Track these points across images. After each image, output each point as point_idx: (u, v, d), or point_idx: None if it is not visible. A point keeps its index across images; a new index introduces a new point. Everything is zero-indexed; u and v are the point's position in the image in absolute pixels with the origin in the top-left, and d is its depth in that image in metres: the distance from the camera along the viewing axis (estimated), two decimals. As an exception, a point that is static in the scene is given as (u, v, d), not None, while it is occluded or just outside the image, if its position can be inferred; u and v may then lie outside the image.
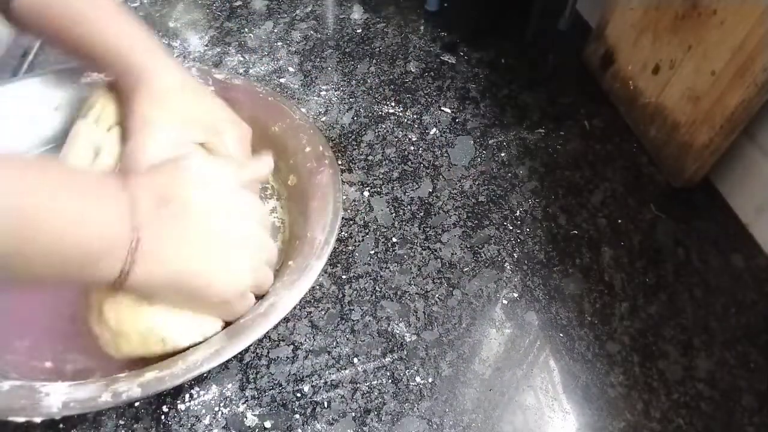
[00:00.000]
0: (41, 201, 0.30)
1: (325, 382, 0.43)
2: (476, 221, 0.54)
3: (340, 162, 0.58)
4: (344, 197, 0.55)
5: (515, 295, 0.49)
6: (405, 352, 0.45)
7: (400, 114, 0.64)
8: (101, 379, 0.37)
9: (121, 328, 0.38)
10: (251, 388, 0.42)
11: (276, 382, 0.42)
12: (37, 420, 0.36)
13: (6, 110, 0.51)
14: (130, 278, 0.34)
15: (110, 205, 0.34)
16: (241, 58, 0.68)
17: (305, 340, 0.45)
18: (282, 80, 0.66)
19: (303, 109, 0.62)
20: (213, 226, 0.37)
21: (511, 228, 0.54)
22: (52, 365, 0.41)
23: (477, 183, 0.58)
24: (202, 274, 0.37)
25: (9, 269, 0.30)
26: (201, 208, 0.37)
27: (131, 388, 0.35)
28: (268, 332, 0.42)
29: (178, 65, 0.48)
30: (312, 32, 0.74)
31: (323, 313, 0.47)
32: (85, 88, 0.52)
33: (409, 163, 0.59)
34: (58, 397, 0.35)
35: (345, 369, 0.43)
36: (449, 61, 0.72)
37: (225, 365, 0.43)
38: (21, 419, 0.34)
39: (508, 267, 0.51)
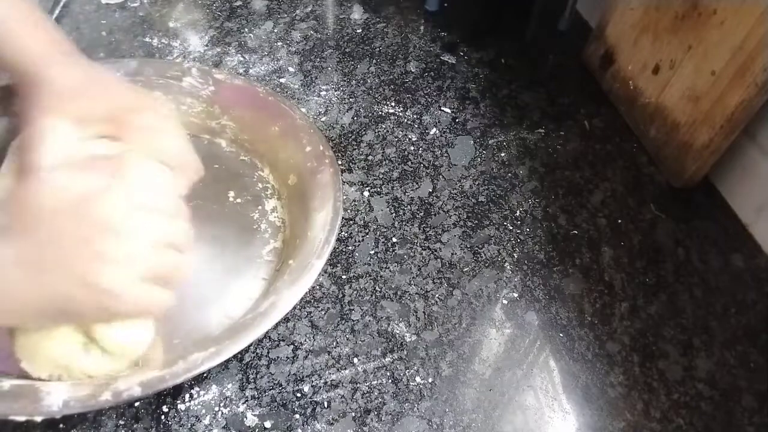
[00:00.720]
0: None
1: (325, 382, 0.43)
2: (476, 221, 0.54)
3: (340, 162, 0.58)
4: (344, 197, 0.55)
5: (515, 295, 0.49)
6: (405, 352, 0.45)
7: (400, 114, 0.64)
8: (102, 379, 0.37)
9: (31, 353, 0.37)
10: (251, 388, 0.42)
11: (276, 382, 0.42)
12: (38, 419, 0.36)
13: None
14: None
15: None
16: (241, 58, 0.68)
17: (305, 340, 0.45)
18: (282, 80, 0.66)
19: (303, 109, 0.62)
20: (66, 239, 0.34)
21: (511, 228, 0.54)
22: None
23: (477, 183, 0.58)
24: (65, 297, 0.34)
25: None
26: (47, 220, 0.34)
27: (132, 386, 0.35)
28: (268, 331, 0.42)
29: (80, 64, 0.44)
30: (312, 32, 0.74)
31: (323, 313, 0.47)
32: None
33: (409, 163, 0.59)
34: (59, 395, 0.35)
35: (345, 369, 0.43)
36: (449, 61, 0.72)
37: (225, 365, 0.43)
38: (22, 418, 0.35)
39: (508, 267, 0.51)
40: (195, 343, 0.42)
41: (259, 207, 0.53)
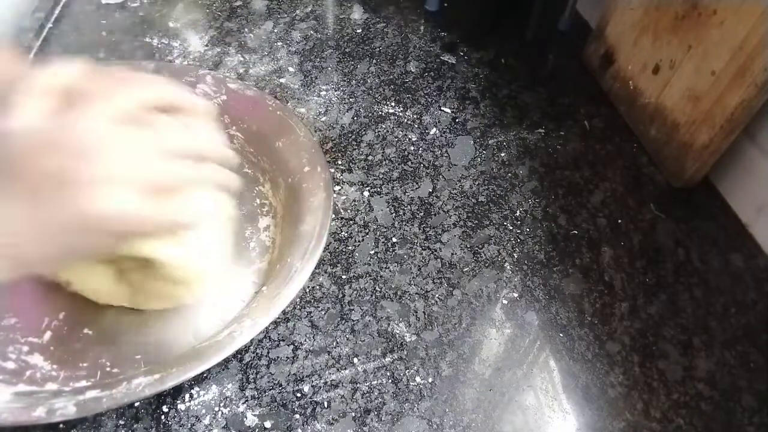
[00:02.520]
0: None
1: (325, 382, 0.43)
2: (476, 221, 0.54)
3: (340, 162, 0.58)
4: (344, 197, 0.55)
5: (515, 295, 0.49)
6: (405, 352, 0.45)
7: (400, 114, 0.64)
8: (42, 392, 0.38)
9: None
10: (251, 388, 0.42)
11: (276, 382, 0.42)
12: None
13: None
14: (21, 263, 0.32)
15: None
16: (241, 58, 0.68)
17: (305, 340, 0.45)
18: (282, 80, 0.66)
19: (302, 109, 0.62)
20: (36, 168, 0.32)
21: (511, 228, 0.54)
22: (15, 366, 0.41)
23: (477, 183, 0.58)
24: (75, 215, 0.32)
25: None
26: (37, 162, 0.32)
27: (67, 406, 0.35)
28: (242, 347, 0.40)
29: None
30: (312, 32, 0.74)
31: (323, 313, 0.47)
32: None
33: (409, 163, 0.59)
34: (67, 400, 0.35)
35: (345, 369, 0.43)
36: (449, 61, 0.72)
37: (225, 365, 0.43)
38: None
39: (508, 267, 0.51)
40: (156, 362, 0.41)
41: (253, 224, 0.52)
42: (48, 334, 0.42)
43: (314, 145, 0.53)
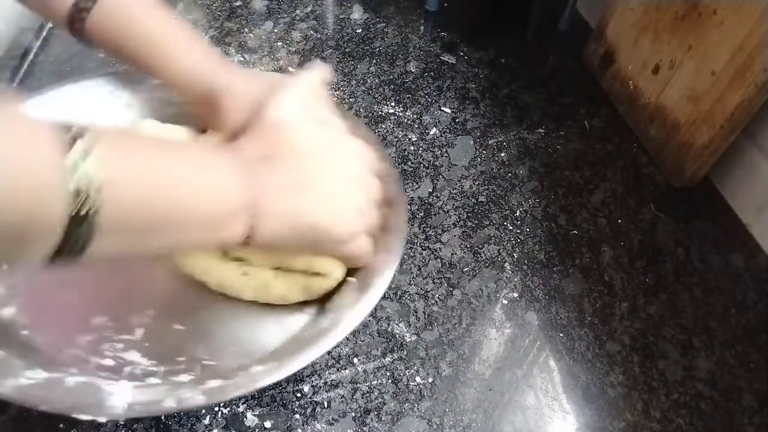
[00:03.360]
0: (172, 176, 0.32)
1: (325, 382, 0.43)
2: (476, 221, 0.54)
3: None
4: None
5: (515, 295, 0.49)
6: (405, 352, 0.45)
7: (400, 114, 0.64)
8: (165, 383, 0.37)
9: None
10: (251, 388, 0.42)
11: (276, 381, 0.42)
12: (102, 419, 0.36)
13: (78, 107, 0.51)
14: (258, 235, 0.36)
15: (227, 175, 0.35)
16: (241, 58, 0.68)
17: (305, 340, 0.45)
18: (282, 80, 0.66)
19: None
20: (320, 170, 0.39)
21: (511, 228, 0.54)
22: (113, 363, 0.41)
23: (477, 183, 0.58)
24: (320, 217, 0.38)
25: (145, 242, 0.32)
26: (305, 154, 0.39)
27: (195, 395, 0.35)
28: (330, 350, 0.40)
29: (248, 72, 0.51)
30: (312, 32, 0.74)
31: (323, 313, 0.47)
32: (156, 87, 0.52)
33: (409, 163, 0.59)
34: (122, 398, 0.35)
35: (345, 369, 0.43)
36: (449, 61, 0.72)
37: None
38: (86, 417, 0.34)
39: (508, 267, 0.51)
40: (253, 353, 0.42)
41: None
42: (140, 331, 0.43)
43: (376, 142, 0.53)
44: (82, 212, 0.26)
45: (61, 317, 0.42)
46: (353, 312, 0.40)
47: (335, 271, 0.43)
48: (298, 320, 0.44)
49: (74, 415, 0.34)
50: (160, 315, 0.44)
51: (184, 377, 0.40)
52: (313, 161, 0.39)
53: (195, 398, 0.35)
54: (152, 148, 0.32)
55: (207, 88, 0.45)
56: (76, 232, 0.26)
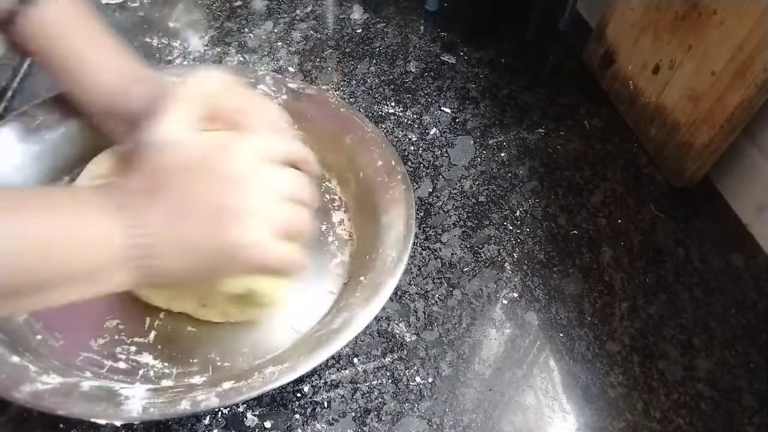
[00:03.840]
0: (29, 239, 0.30)
1: (325, 382, 0.43)
2: (476, 221, 0.54)
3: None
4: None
5: (515, 295, 0.49)
6: (405, 352, 0.45)
7: (400, 114, 0.64)
8: (179, 386, 0.38)
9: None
10: (251, 388, 0.42)
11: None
12: (118, 423, 0.36)
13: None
14: (156, 276, 0.35)
15: (98, 224, 0.33)
16: (241, 58, 0.68)
17: (305, 340, 0.45)
18: (282, 80, 0.66)
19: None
20: (205, 185, 0.35)
21: (511, 228, 0.54)
22: (126, 366, 0.41)
23: (477, 183, 0.58)
24: (213, 238, 0.35)
25: (10, 304, 0.31)
26: (186, 173, 0.36)
27: (209, 397, 0.35)
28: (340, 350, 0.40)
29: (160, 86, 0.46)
30: (312, 32, 0.74)
31: (323, 313, 0.47)
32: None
33: (409, 163, 0.59)
34: (137, 401, 0.35)
35: (345, 369, 0.43)
36: (449, 61, 0.72)
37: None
38: (102, 421, 0.35)
39: (508, 267, 0.51)
40: (264, 354, 0.42)
41: (327, 219, 0.52)
42: (153, 334, 0.43)
43: (384, 140, 0.53)
44: None
45: (74, 321, 0.42)
46: (365, 312, 0.40)
47: (267, 283, 0.41)
48: (309, 321, 0.44)
49: (92, 420, 0.34)
50: (171, 318, 0.44)
51: (197, 379, 0.41)
52: (196, 178, 0.35)
53: (209, 400, 0.35)
54: (6, 211, 0.31)
55: (122, 109, 0.44)
56: None
